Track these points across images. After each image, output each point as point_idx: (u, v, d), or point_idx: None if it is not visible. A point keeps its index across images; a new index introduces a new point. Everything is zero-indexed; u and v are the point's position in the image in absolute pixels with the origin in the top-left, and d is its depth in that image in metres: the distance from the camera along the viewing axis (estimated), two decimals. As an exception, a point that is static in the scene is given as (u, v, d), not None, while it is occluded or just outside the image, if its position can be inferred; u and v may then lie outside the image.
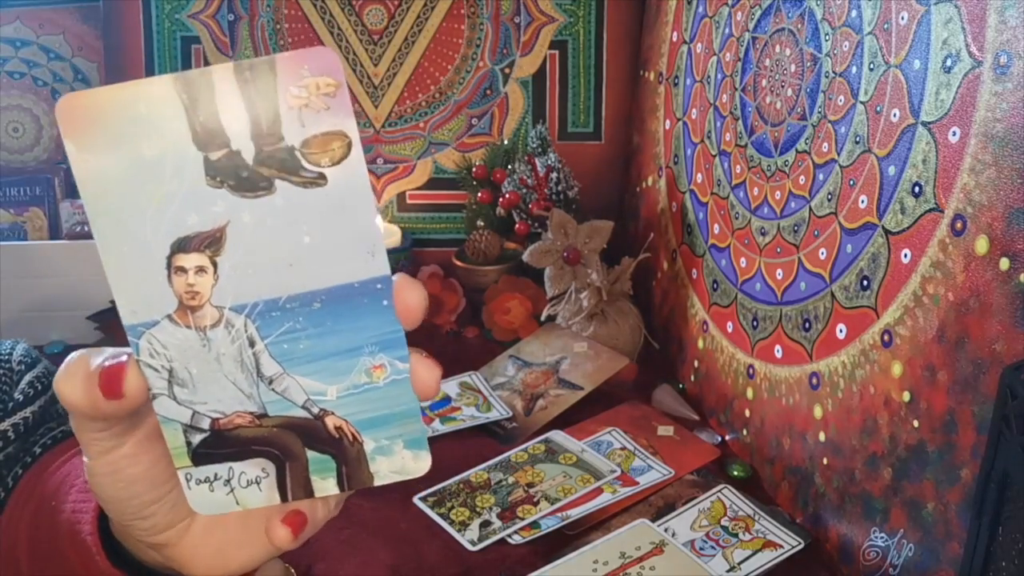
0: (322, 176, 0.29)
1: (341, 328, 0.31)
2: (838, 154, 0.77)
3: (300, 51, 0.28)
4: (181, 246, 0.29)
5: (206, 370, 0.31)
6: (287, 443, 0.32)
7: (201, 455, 0.32)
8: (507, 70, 1.39)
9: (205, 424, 0.32)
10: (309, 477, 0.33)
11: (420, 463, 0.33)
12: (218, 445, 0.32)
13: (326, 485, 0.33)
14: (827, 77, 0.79)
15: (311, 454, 0.32)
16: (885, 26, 0.70)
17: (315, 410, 0.32)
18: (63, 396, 0.31)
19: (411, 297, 0.31)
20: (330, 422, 0.32)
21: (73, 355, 0.31)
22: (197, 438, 0.32)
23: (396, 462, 0.33)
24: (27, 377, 0.54)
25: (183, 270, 0.30)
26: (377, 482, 0.33)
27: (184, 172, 0.29)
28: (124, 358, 0.31)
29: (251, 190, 0.29)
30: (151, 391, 0.31)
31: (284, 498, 0.33)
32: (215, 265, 0.30)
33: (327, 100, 0.29)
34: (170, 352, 0.30)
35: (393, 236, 1.34)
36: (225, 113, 0.28)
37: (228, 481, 0.32)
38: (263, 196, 0.29)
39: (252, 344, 0.31)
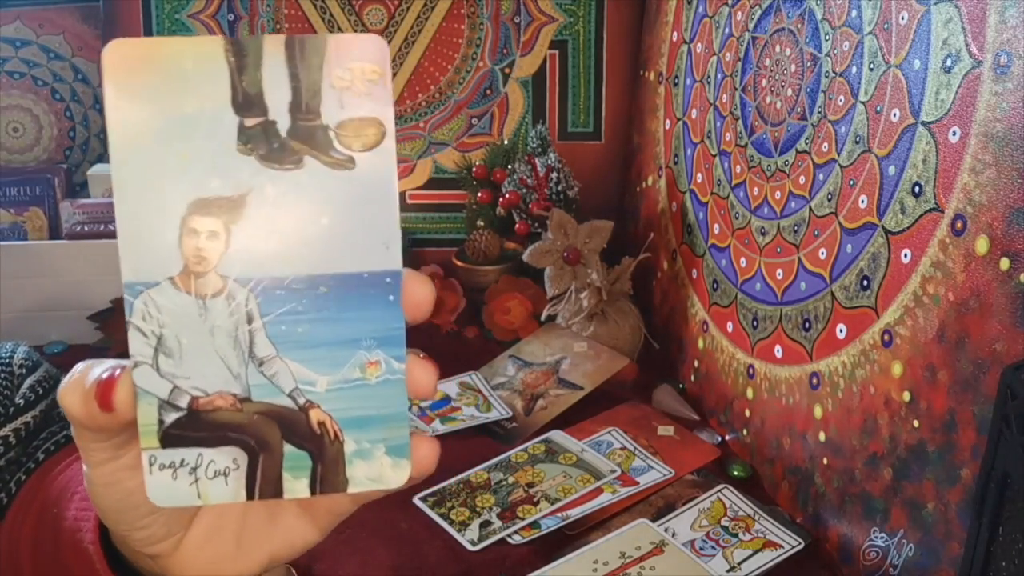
0: (351, 160, 0.29)
1: (343, 317, 0.30)
2: (838, 154, 0.77)
3: (352, 35, 0.28)
4: (198, 208, 0.29)
5: (197, 342, 0.30)
6: (265, 433, 0.31)
7: (172, 436, 0.30)
8: (507, 70, 1.39)
9: (183, 401, 0.30)
10: (281, 474, 0.31)
11: (399, 472, 0.32)
12: (192, 427, 0.30)
13: (297, 486, 0.31)
14: (827, 77, 0.79)
15: (288, 448, 0.31)
16: (885, 26, 0.70)
17: (301, 400, 0.31)
18: (64, 406, 0.31)
19: (420, 291, 0.31)
20: (314, 415, 0.31)
21: (78, 366, 0.31)
22: (171, 416, 0.30)
23: (374, 468, 0.31)
24: (28, 381, 0.54)
25: (195, 232, 0.29)
26: (351, 489, 0.31)
27: (217, 133, 0.29)
28: (119, 371, 0.30)
29: (279, 162, 0.29)
30: (133, 359, 0.30)
31: (250, 495, 0.31)
32: (228, 232, 0.29)
33: (370, 86, 0.29)
34: (164, 317, 0.29)
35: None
36: (268, 81, 0.28)
37: (194, 470, 0.31)
38: (290, 170, 0.29)
39: (250, 320, 0.30)
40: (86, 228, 1.16)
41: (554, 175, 1.25)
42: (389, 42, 1.37)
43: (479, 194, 1.30)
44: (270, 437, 0.31)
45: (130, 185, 0.29)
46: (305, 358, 0.30)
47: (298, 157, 0.29)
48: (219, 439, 0.31)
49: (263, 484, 0.31)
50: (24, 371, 0.54)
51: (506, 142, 1.37)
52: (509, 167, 1.30)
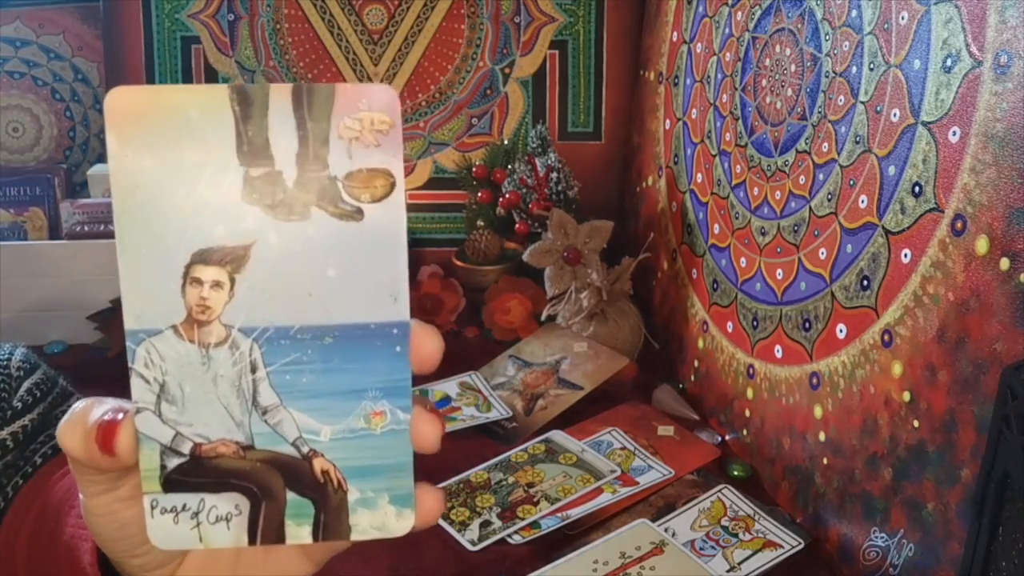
0: (359, 211, 0.29)
1: (349, 368, 0.30)
2: (838, 154, 0.77)
3: (361, 85, 0.28)
4: (202, 257, 0.29)
5: (200, 390, 0.30)
6: (268, 480, 0.31)
7: (173, 481, 0.30)
8: (507, 70, 1.39)
9: (186, 448, 0.30)
10: (284, 521, 0.31)
11: (403, 522, 0.31)
12: (194, 473, 0.30)
13: (300, 532, 0.31)
14: (827, 77, 0.79)
15: (291, 496, 0.31)
16: (885, 26, 0.70)
17: (305, 449, 0.30)
18: (64, 446, 0.30)
19: (429, 345, 0.30)
20: (317, 464, 0.31)
21: (78, 404, 0.31)
22: (173, 462, 0.30)
23: (378, 517, 0.31)
24: (26, 383, 0.53)
25: (199, 282, 0.29)
26: (354, 537, 0.31)
27: (221, 183, 0.28)
28: (121, 416, 0.30)
29: (285, 213, 0.29)
30: (136, 404, 0.30)
31: (252, 541, 0.31)
32: (232, 282, 0.29)
33: (379, 137, 0.28)
34: (166, 365, 0.29)
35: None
36: (275, 131, 0.28)
37: (196, 514, 0.31)
38: (296, 221, 0.29)
39: (254, 370, 0.30)
40: (86, 228, 1.16)
41: (554, 175, 1.25)
42: (389, 42, 1.37)
43: (479, 194, 1.30)
44: (273, 484, 0.31)
45: (132, 233, 0.28)
46: (309, 408, 0.30)
47: (305, 208, 0.29)
48: (221, 485, 0.31)
49: (265, 530, 0.31)
50: (22, 373, 0.54)
51: (506, 142, 1.37)
52: (509, 167, 1.30)
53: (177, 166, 0.28)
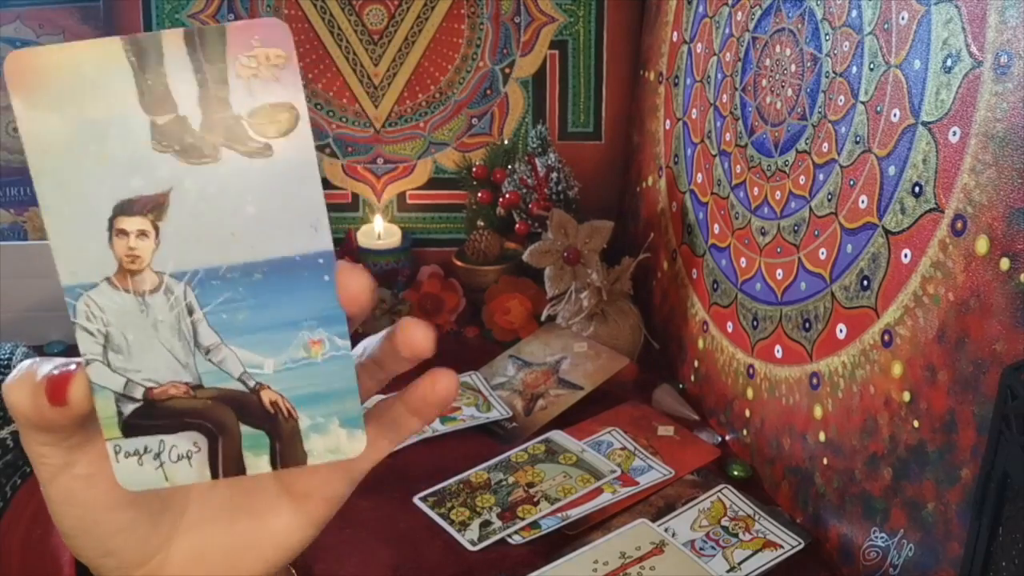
0: (268, 147, 0.29)
1: (281, 301, 0.31)
2: (838, 154, 0.77)
3: (250, 21, 0.28)
4: (123, 209, 0.29)
5: (143, 337, 0.30)
6: (221, 416, 0.32)
7: (132, 426, 0.31)
8: (507, 70, 1.39)
9: (138, 393, 0.31)
10: (242, 453, 0.32)
11: (355, 443, 0.32)
12: (150, 416, 0.31)
13: (259, 462, 0.32)
14: (827, 77, 0.79)
15: (245, 429, 0.32)
16: (885, 26, 0.70)
17: (251, 383, 0.31)
18: (10, 403, 0.30)
19: (354, 283, 0.31)
20: (265, 396, 0.31)
21: (23, 363, 0.31)
22: (129, 408, 0.31)
23: (331, 440, 0.32)
24: None
25: (124, 233, 0.29)
26: (311, 461, 0.32)
27: (129, 135, 0.29)
28: (73, 367, 0.30)
29: (196, 157, 0.29)
30: (85, 357, 0.30)
31: (215, 474, 0.32)
32: (157, 230, 0.29)
33: (276, 72, 0.29)
34: (107, 316, 0.30)
35: (393, 236, 1.34)
36: (173, 78, 0.28)
37: (158, 455, 0.31)
38: (208, 164, 0.29)
39: (191, 312, 0.30)
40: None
41: (554, 175, 1.25)
42: (389, 42, 1.37)
43: (479, 194, 1.30)
44: (226, 420, 0.32)
45: (53, 193, 0.29)
46: (249, 343, 0.31)
47: (214, 150, 0.29)
48: (177, 425, 0.31)
49: (225, 463, 0.32)
50: None
51: (506, 142, 1.37)
52: (509, 167, 1.30)
53: (83, 122, 0.28)
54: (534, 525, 0.80)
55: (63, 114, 0.28)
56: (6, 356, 0.54)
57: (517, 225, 1.25)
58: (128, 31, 1.36)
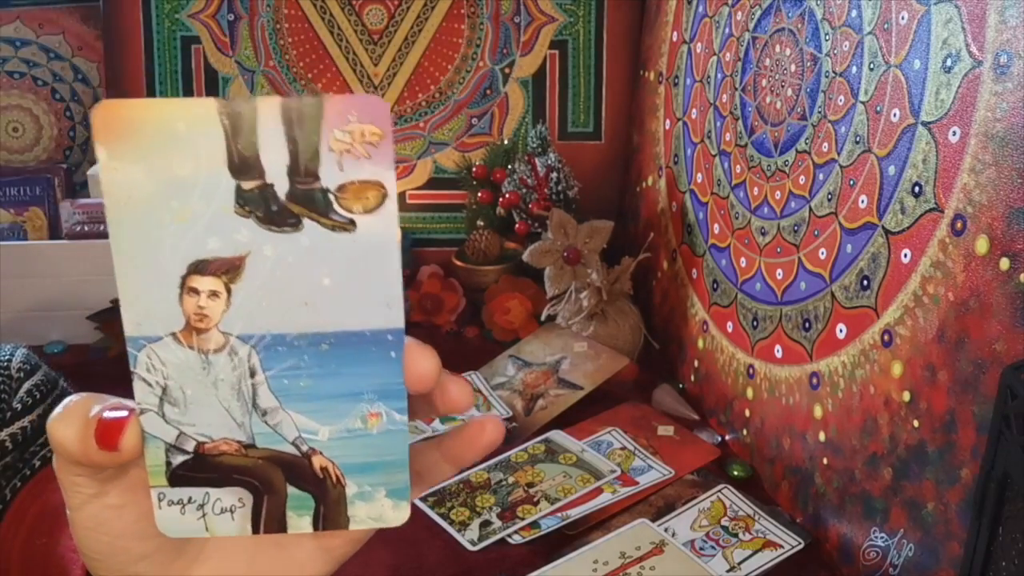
0: (352, 222, 0.29)
1: (345, 372, 0.31)
2: (838, 154, 0.77)
3: (350, 96, 0.28)
4: (198, 268, 0.29)
5: (201, 393, 0.31)
6: (269, 476, 0.32)
7: (179, 477, 0.31)
8: (507, 70, 1.39)
9: (190, 446, 0.31)
10: (285, 512, 0.32)
11: (399, 513, 0.33)
12: (199, 469, 0.31)
13: (301, 523, 0.32)
14: (827, 77, 0.79)
15: (291, 490, 0.32)
16: (885, 26, 0.70)
17: (304, 448, 0.32)
18: (55, 438, 0.30)
19: (423, 363, 0.31)
20: (316, 461, 0.32)
21: (73, 397, 0.31)
22: (178, 459, 0.31)
23: (375, 509, 0.33)
24: (26, 385, 0.53)
25: (196, 291, 0.29)
26: (352, 526, 0.33)
27: (213, 196, 0.29)
28: (126, 413, 0.30)
29: (278, 225, 0.29)
30: (140, 406, 0.30)
31: (256, 530, 0.32)
32: (229, 292, 0.30)
33: (370, 149, 0.28)
34: (167, 370, 0.30)
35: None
36: (264, 145, 0.28)
37: (201, 506, 0.32)
38: (289, 232, 0.29)
39: (252, 374, 0.31)
40: (86, 228, 1.16)
41: (554, 175, 1.25)
42: (389, 42, 1.37)
43: (479, 194, 1.30)
44: (274, 479, 0.32)
45: (128, 244, 0.29)
46: (307, 409, 0.31)
47: (297, 220, 0.29)
48: (225, 480, 0.32)
49: (268, 520, 0.32)
50: (22, 375, 0.54)
51: (506, 142, 1.37)
52: (509, 167, 1.30)
53: (168, 179, 0.28)
54: (534, 525, 0.80)
55: (149, 168, 0.28)
56: (5, 358, 0.54)
57: (517, 225, 1.25)
58: (128, 31, 1.36)
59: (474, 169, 1.31)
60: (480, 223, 1.30)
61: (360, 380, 0.31)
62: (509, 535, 0.79)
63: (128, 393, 0.31)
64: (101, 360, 1.10)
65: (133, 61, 1.38)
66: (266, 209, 0.29)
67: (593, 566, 0.74)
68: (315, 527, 0.32)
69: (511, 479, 0.87)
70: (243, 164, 0.28)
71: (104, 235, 1.14)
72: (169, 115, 0.28)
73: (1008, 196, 0.56)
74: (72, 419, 0.30)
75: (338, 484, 0.32)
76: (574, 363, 1.06)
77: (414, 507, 0.92)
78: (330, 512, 0.32)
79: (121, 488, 0.32)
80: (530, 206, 1.24)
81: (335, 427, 0.31)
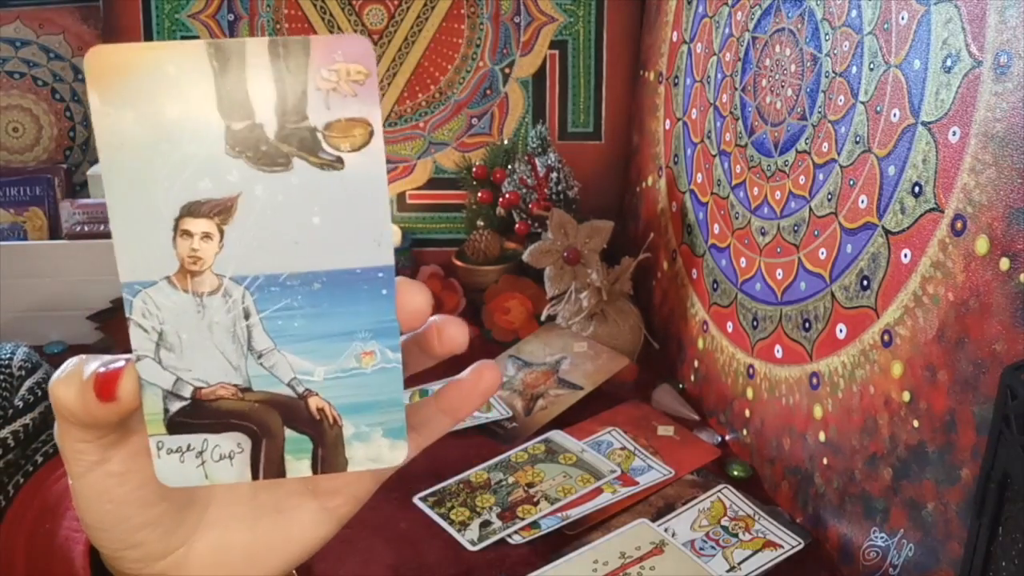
0: (340, 160, 0.29)
1: (338, 311, 0.31)
2: (838, 154, 0.77)
3: (335, 36, 0.28)
4: (190, 210, 0.29)
5: (196, 337, 0.31)
6: (267, 419, 0.32)
7: (177, 424, 0.31)
8: (507, 70, 1.39)
9: (187, 392, 0.31)
10: (284, 456, 0.32)
11: (396, 452, 0.33)
12: (196, 415, 0.31)
13: (300, 466, 0.32)
14: (827, 77, 0.79)
15: (289, 433, 0.32)
16: (885, 26, 0.70)
17: (300, 389, 0.32)
18: (57, 398, 0.30)
19: (415, 299, 0.31)
20: (313, 403, 0.32)
21: (70, 360, 0.31)
22: (176, 406, 0.31)
23: (373, 449, 0.33)
24: (28, 382, 0.53)
25: (189, 234, 0.30)
26: (351, 468, 0.33)
27: (204, 137, 0.29)
28: (122, 363, 0.30)
29: (268, 164, 0.29)
30: (136, 353, 0.30)
31: (255, 476, 0.32)
32: (221, 233, 0.30)
33: (356, 87, 0.29)
34: (163, 314, 0.30)
35: (394, 236, 1.34)
36: (253, 85, 0.29)
37: (200, 453, 0.32)
38: (279, 172, 0.29)
39: (247, 316, 0.31)
40: (86, 228, 1.16)
41: (554, 175, 1.25)
42: (389, 42, 1.37)
43: (479, 194, 1.30)
44: (271, 423, 0.32)
45: (120, 189, 0.29)
46: (302, 350, 0.31)
47: (287, 159, 0.29)
48: (223, 426, 0.32)
49: (267, 465, 0.32)
50: (24, 373, 0.54)
51: (506, 142, 1.37)
52: (509, 167, 1.30)
53: (159, 121, 0.29)
54: (534, 525, 0.80)
55: (140, 111, 0.28)
56: (6, 356, 0.55)
57: (517, 225, 1.25)
58: (128, 31, 1.36)
59: (474, 169, 1.31)
60: (480, 223, 1.30)
61: (353, 319, 0.31)
62: (509, 535, 0.79)
63: None
64: (101, 360, 1.10)
65: (133, 61, 1.38)
66: (256, 149, 0.29)
67: (593, 566, 0.74)
68: (314, 470, 0.32)
69: (511, 479, 0.87)
70: (232, 104, 0.29)
71: (104, 235, 1.14)
72: (159, 58, 0.28)
73: (1008, 196, 0.56)
74: (71, 378, 0.30)
75: (335, 425, 0.32)
76: (574, 363, 1.06)
77: (414, 507, 0.92)
78: (328, 454, 0.32)
79: (123, 455, 0.32)
80: (530, 206, 1.24)
81: (330, 367, 0.31)
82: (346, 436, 0.32)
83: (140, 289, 0.30)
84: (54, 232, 1.27)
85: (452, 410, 0.35)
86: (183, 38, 1.36)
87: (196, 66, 0.28)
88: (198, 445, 0.32)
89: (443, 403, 0.35)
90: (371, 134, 0.29)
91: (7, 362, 0.54)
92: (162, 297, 0.30)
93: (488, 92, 1.39)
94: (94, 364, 0.30)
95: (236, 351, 0.31)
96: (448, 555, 0.77)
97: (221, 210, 0.29)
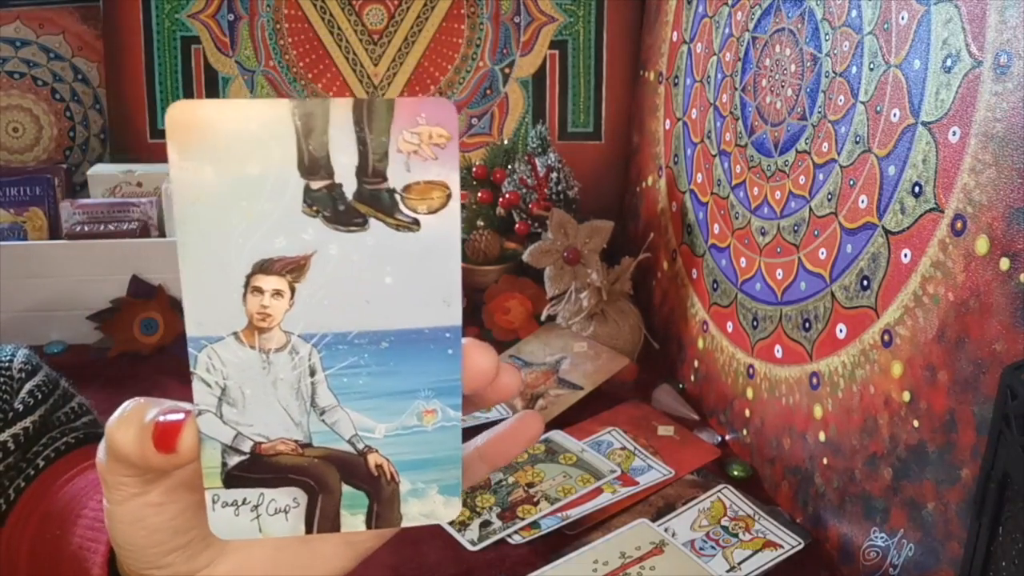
0: (416, 222, 0.30)
1: (403, 370, 0.31)
2: (838, 154, 0.77)
3: (420, 98, 0.29)
4: (263, 267, 0.29)
5: (260, 393, 0.31)
6: (324, 475, 0.32)
7: (234, 478, 0.31)
8: (507, 70, 1.39)
9: (246, 447, 0.31)
10: (339, 511, 0.32)
11: (450, 509, 0.33)
12: (255, 469, 0.32)
13: (354, 521, 0.33)
14: (827, 77, 0.79)
15: (346, 488, 0.32)
16: (885, 26, 0.70)
17: (360, 446, 0.32)
18: (113, 441, 0.30)
19: (482, 360, 0.32)
20: (372, 459, 0.32)
21: (130, 402, 0.31)
22: (234, 460, 0.31)
23: (427, 506, 0.33)
24: (28, 385, 0.53)
25: (260, 291, 0.30)
26: (404, 523, 0.33)
27: (282, 195, 0.29)
28: (182, 416, 0.30)
29: (344, 224, 0.29)
30: (198, 407, 0.31)
31: (309, 530, 0.32)
32: (293, 291, 0.30)
33: (437, 150, 0.29)
34: (227, 370, 0.30)
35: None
36: (335, 145, 0.29)
37: (256, 507, 0.32)
38: (355, 232, 0.30)
39: (312, 373, 0.31)
40: (86, 228, 1.16)
41: (554, 175, 1.25)
42: (389, 42, 1.37)
43: (479, 194, 1.30)
44: (330, 478, 0.32)
45: (194, 243, 0.29)
46: (365, 407, 0.32)
47: (363, 219, 0.29)
48: (280, 480, 0.32)
49: (322, 520, 0.33)
50: (24, 375, 0.54)
51: (506, 142, 1.37)
52: (509, 167, 1.30)
53: (238, 179, 0.29)
54: (534, 525, 0.80)
55: (219, 168, 0.28)
56: (6, 359, 0.54)
57: (517, 225, 1.25)
58: (128, 31, 1.36)
59: (474, 169, 1.31)
60: (480, 223, 1.30)
61: (417, 377, 0.31)
62: (509, 535, 0.79)
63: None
64: (101, 360, 1.09)
65: (133, 61, 1.38)
66: (333, 209, 0.29)
67: (593, 566, 0.74)
68: (368, 525, 0.33)
69: (511, 479, 0.87)
70: (313, 164, 0.29)
71: (104, 235, 1.14)
72: (243, 116, 0.28)
73: (1008, 196, 0.56)
74: (130, 423, 0.30)
75: (392, 481, 0.32)
76: (574, 363, 1.06)
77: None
78: (383, 510, 0.33)
79: (163, 488, 0.32)
80: (530, 206, 1.24)
81: (391, 424, 0.32)
82: (402, 492, 0.33)
83: (206, 344, 0.30)
84: (54, 232, 1.27)
85: (493, 458, 0.35)
86: (183, 38, 1.36)
87: (280, 125, 0.28)
88: (254, 499, 0.32)
89: (485, 452, 0.35)
90: (449, 197, 0.29)
91: (7, 365, 0.53)
92: (228, 353, 0.30)
93: (488, 92, 1.39)
94: (154, 411, 0.30)
95: (299, 407, 0.31)
96: (448, 555, 0.77)
97: (294, 268, 0.30)
